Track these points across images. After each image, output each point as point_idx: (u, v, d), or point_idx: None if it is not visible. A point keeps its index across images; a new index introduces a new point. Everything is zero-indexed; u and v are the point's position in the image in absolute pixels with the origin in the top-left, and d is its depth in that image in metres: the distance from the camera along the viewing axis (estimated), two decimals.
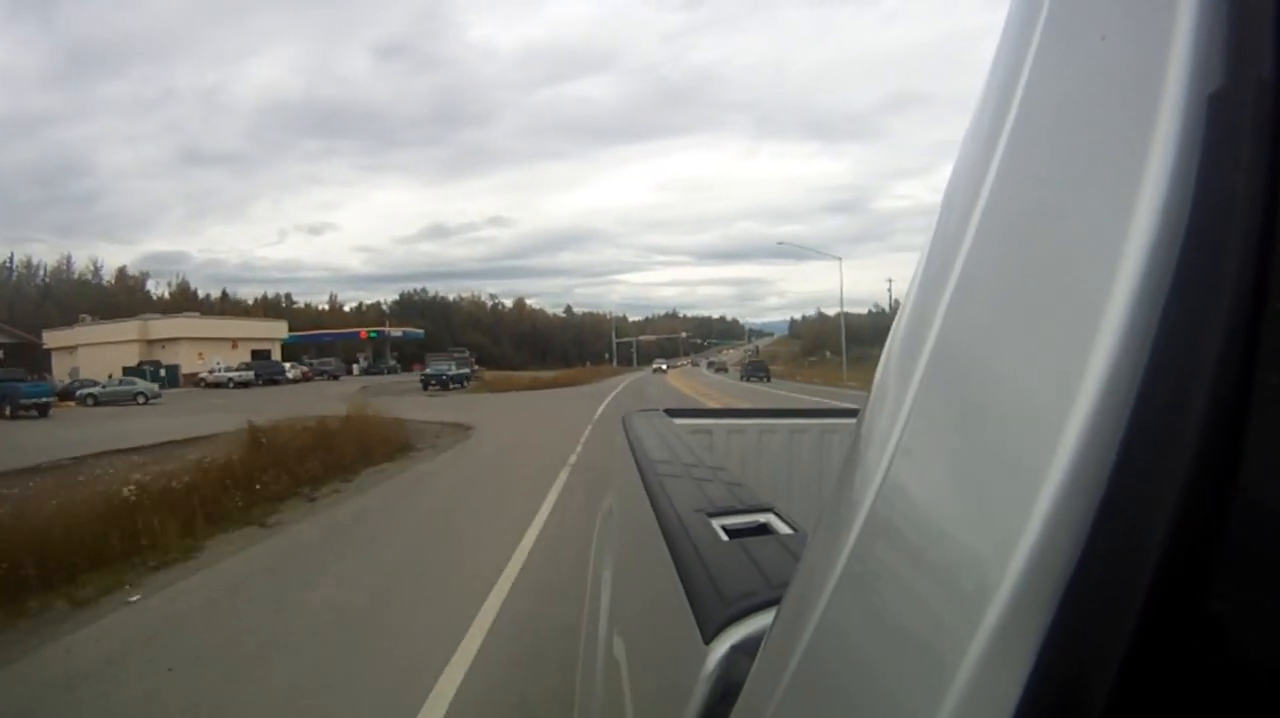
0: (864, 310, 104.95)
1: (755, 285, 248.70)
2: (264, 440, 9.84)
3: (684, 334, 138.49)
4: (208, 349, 50.63)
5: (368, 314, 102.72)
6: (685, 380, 47.57)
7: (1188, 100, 0.30)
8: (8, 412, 25.22)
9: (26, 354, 41.88)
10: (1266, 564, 0.27)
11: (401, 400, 23.10)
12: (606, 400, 24.15)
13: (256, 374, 45.11)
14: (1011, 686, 0.31)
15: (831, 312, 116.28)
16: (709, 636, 0.76)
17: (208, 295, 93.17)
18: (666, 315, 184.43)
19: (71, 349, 50.18)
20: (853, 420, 0.54)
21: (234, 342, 54.05)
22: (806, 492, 2.92)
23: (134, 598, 4.85)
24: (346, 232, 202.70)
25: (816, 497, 2.84)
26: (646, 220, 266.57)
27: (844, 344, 56.10)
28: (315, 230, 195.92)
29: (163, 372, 44.63)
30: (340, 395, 21.67)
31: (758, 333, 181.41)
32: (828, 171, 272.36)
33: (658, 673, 0.99)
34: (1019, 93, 0.39)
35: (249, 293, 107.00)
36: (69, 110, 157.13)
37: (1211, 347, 0.28)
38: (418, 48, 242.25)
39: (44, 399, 26.70)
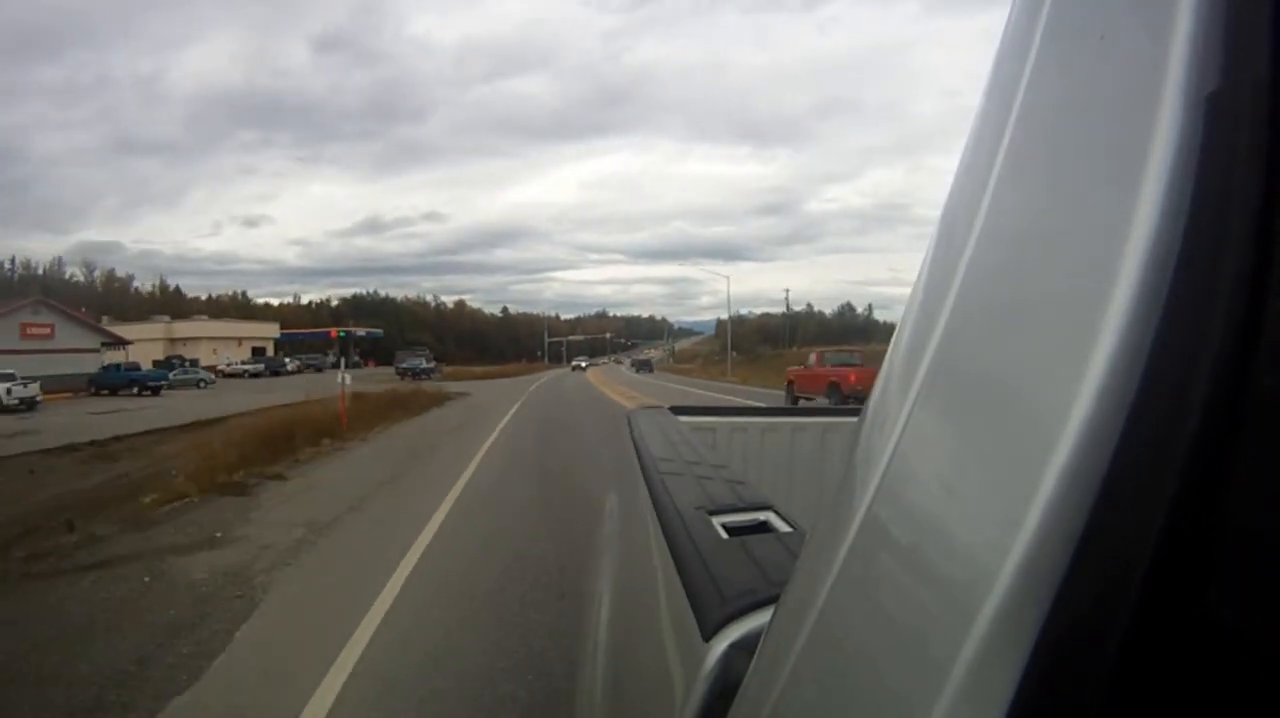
0: (779, 312, 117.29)
1: (688, 285, 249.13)
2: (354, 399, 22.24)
3: (609, 335, 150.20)
4: (220, 346, 62.50)
5: (319, 311, 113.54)
6: (598, 374, 59.22)
7: (1186, 100, 0.30)
8: (135, 390, 36.37)
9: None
10: (1260, 565, 0.27)
11: (402, 384, 35.58)
12: (536, 384, 39.11)
13: (266, 367, 57.63)
14: (1006, 683, 0.31)
15: (758, 311, 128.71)
16: (708, 633, 0.76)
17: (178, 292, 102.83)
18: (597, 315, 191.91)
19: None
20: (854, 420, 0.59)
21: (240, 340, 66.17)
22: (807, 490, 2.97)
23: (401, 426, 19.21)
24: (281, 225, 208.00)
25: (817, 495, 2.87)
26: (580, 219, 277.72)
27: (729, 345, 70.10)
28: (250, 223, 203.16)
29: (189, 364, 55.95)
30: (326, 386, 32.66)
31: (688, 332, 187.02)
32: (758, 174, 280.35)
33: (657, 670, 0.99)
34: (1020, 94, 0.39)
35: (187, 285, 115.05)
36: None
37: (1209, 349, 0.28)
38: (356, 41, 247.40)
39: (160, 383, 37.92)
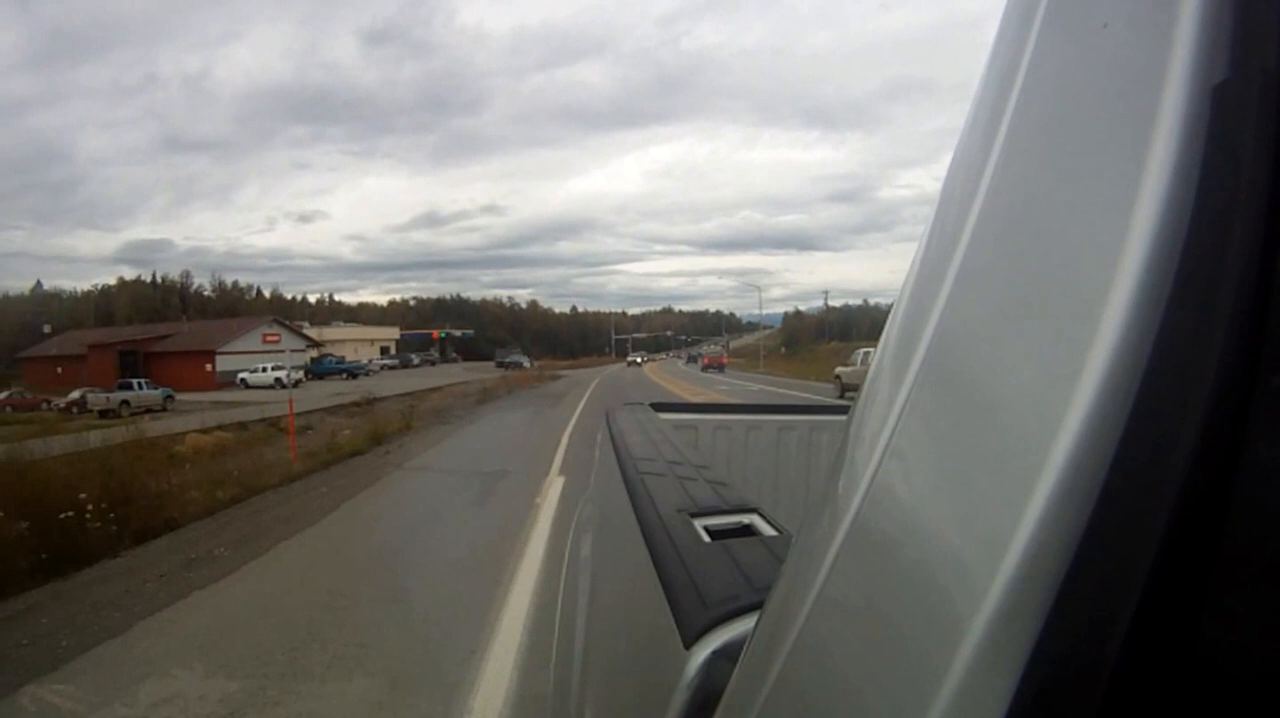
0: (842, 304, 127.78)
1: (758, 276, 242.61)
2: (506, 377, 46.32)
3: (669, 333, 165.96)
4: (359, 347, 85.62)
5: (401, 310, 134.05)
6: (652, 367, 75.20)
7: (1191, 91, 0.30)
8: (344, 376, 57.27)
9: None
10: (1263, 571, 0.27)
11: (510, 374, 59.05)
12: (606, 372, 62.42)
13: (399, 362, 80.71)
14: (998, 697, 0.31)
15: (830, 304, 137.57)
16: (689, 640, 0.77)
17: (293, 299, 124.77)
18: (663, 310, 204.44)
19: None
20: (842, 418, 0.61)
21: (371, 341, 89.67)
22: (793, 491, 3.02)
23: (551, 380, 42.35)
24: (337, 220, 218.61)
25: (803, 496, 2.96)
26: (645, 209, 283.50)
27: (760, 346, 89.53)
28: (305, 218, 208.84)
29: (340, 360, 75.75)
30: (460, 373, 57.70)
31: (756, 326, 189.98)
32: (829, 160, 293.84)
33: (638, 678, 1.01)
34: (1018, 82, 0.40)
35: (240, 282, 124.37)
36: (47, 95, 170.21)
37: (1214, 344, 0.28)
38: (407, 33, 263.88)
39: (360, 372, 59.78)
